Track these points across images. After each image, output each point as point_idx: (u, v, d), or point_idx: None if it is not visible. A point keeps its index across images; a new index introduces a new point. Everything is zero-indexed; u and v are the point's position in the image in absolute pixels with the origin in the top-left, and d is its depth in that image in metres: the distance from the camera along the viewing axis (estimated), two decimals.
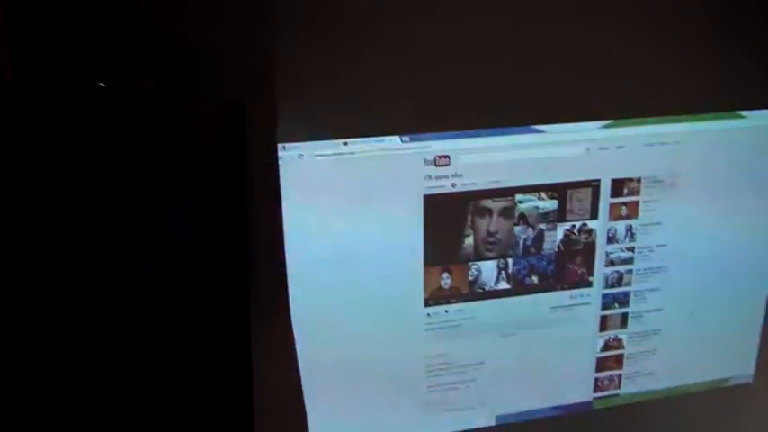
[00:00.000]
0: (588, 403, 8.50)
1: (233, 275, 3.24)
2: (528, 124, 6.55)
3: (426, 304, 8.00)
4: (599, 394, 8.77)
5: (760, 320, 9.96)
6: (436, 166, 7.40)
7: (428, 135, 6.79)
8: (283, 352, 3.59)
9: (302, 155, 5.87)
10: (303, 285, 7.59)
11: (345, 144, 6.55)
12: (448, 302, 7.99)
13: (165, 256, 2.77)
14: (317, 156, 6.41)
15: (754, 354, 10.00)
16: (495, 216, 8.51)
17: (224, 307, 3.23)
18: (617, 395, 8.81)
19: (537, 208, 8.26)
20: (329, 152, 6.49)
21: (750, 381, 10.21)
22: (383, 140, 6.65)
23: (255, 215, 3.74)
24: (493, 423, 8.34)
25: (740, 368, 10.01)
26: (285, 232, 4.61)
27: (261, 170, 3.78)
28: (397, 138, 6.81)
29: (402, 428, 8.35)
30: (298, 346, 5.13)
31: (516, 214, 8.41)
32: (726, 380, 10.18)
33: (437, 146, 7.14)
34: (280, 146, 4.16)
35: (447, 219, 8.25)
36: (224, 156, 3.14)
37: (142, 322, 2.71)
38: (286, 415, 3.95)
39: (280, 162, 4.31)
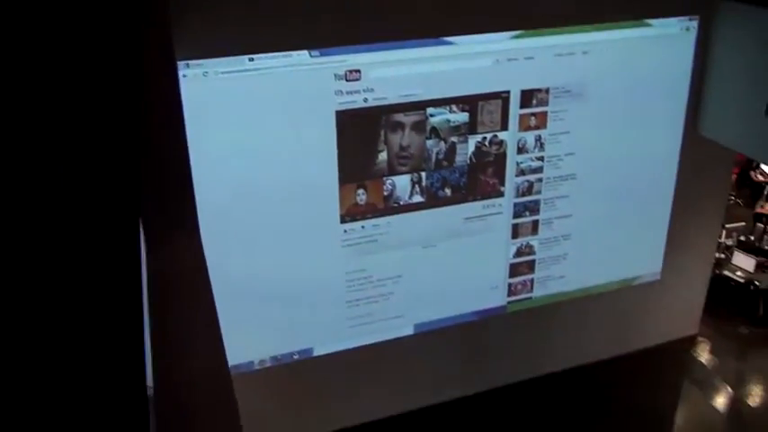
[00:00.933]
0: (503, 307, 8.69)
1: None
2: (438, 36, 6.37)
3: (342, 221, 7.87)
4: (513, 298, 8.97)
5: (666, 221, 10.28)
6: (347, 80, 7.11)
7: (338, 49, 6.52)
8: (195, 265, 3.51)
9: (207, 72, 5.59)
10: (215, 207, 7.27)
11: (251, 60, 6.21)
12: (364, 218, 7.88)
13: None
14: (222, 73, 6.08)
15: (662, 252, 10.36)
16: (407, 130, 8.33)
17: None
18: (530, 298, 9.02)
19: (448, 121, 8.11)
20: (235, 69, 6.15)
21: (658, 278, 10.58)
22: (291, 55, 6.36)
23: (154, 135, 3.57)
24: (411, 332, 8.44)
25: (649, 267, 10.39)
26: (195, 154, 4.48)
27: (160, 88, 3.60)
28: (305, 52, 6.50)
29: (323, 342, 8.33)
30: (212, 267, 5.05)
31: (428, 128, 8.24)
32: (635, 278, 10.54)
33: (348, 60, 6.82)
34: (182, 63, 3.95)
35: (360, 135, 7.99)
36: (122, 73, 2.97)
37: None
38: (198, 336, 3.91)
39: (183, 80, 4.11)
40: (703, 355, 10.73)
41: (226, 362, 4.05)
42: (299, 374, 8.28)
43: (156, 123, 3.60)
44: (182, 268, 3.74)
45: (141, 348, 3.28)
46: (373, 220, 8.00)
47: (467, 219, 8.44)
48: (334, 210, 7.62)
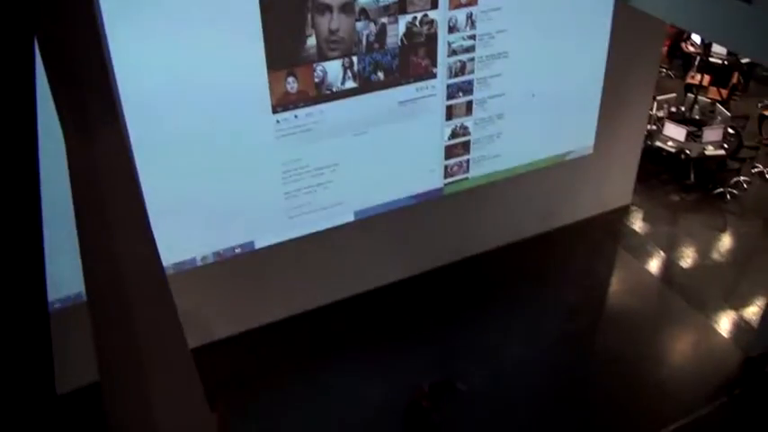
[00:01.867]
0: (440, 190, 8.74)
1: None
2: None
3: (274, 111, 7.73)
4: (449, 180, 9.02)
5: (598, 95, 10.31)
6: None
7: None
8: (118, 158, 3.38)
9: None
10: (144, 104, 7.02)
11: None
12: (296, 107, 7.74)
13: None
14: None
15: (594, 127, 10.43)
16: (335, 12, 8.07)
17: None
18: (466, 179, 9.09)
19: (377, 1, 7.83)
20: None
21: (591, 152, 10.69)
22: None
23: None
24: (352, 219, 8.47)
25: (581, 142, 10.49)
26: (117, 47, 4.26)
27: None
28: None
29: (264, 234, 8.31)
30: (147, 166, 4.90)
31: (357, 9, 7.98)
32: (568, 153, 10.64)
33: None
34: None
35: (286, 19, 7.73)
36: None
37: None
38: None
39: None
40: (636, 223, 11.23)
41: (158, 257, 4.00)
42: (242, 268, 8.49)
43: (67, 16, 3.43)
44: (105, 162, 3.64)
45: (40, 260, 3.15)
46: (306, 109, 7.90)
47: (401, 103, 8.40)
48: (266, 99, 7.48)
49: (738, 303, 9.60)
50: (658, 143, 11.93)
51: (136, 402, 3.52)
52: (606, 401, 8.20)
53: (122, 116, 6.29)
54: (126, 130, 6.35)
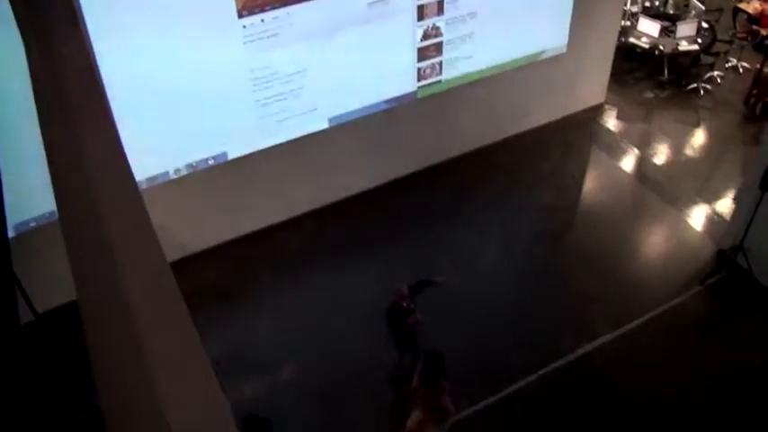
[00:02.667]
0: (413, 93, 8.63)
1: None
2: None
3: (240, 15, 7.50)
4: (423, 83, 8.91)
5: None
6: None
7: None
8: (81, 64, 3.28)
9: None
10: (106, 17, 6.74)
11: None
12: (262, 10, 7.49)
13: None
14: None
15: (567, 25, 10.26)
16: None
17: None
18: (439, 82, 8.97)
19: None
20: None
21: (564, 51, 10.57)
22: None
23: None
24: (326, 126, 8.37)
25: (555, 40, 10.34)
26: None
27: None
28: None
29: (237, 145, 8.20)
30: (117, 79, 4.74)
31: None
32: (542, 53, 10.50)
33: None
34: None
35: None
36: None
37: None
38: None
39: None
40: (610, 121, 11.25)
41: (129, 170, 3.91)
42: (216, 180, 8.42)
43: None
44: (69, 73, 3.50)
45: None
46: (272, 12, 7.66)
47: (370, 4, 8.17)
48: (231, 3, 7.23)
49: (711, 197, 9.78)
50: (632, 39, 11.78)
51: (117, 321, 3.51)
52: (582, 295, 8.41)
53: (85, 27, 6.08)
54: (89, 43, 6.15)
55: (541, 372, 7.64)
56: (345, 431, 7.12)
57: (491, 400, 7.43)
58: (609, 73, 11.21)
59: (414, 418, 6.82)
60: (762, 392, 7.49)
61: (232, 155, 8.21)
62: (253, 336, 8.01)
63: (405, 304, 6.87)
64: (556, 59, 10.16)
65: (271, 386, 7.48)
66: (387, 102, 8.84)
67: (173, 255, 8.65)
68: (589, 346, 7.88)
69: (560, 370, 7.70)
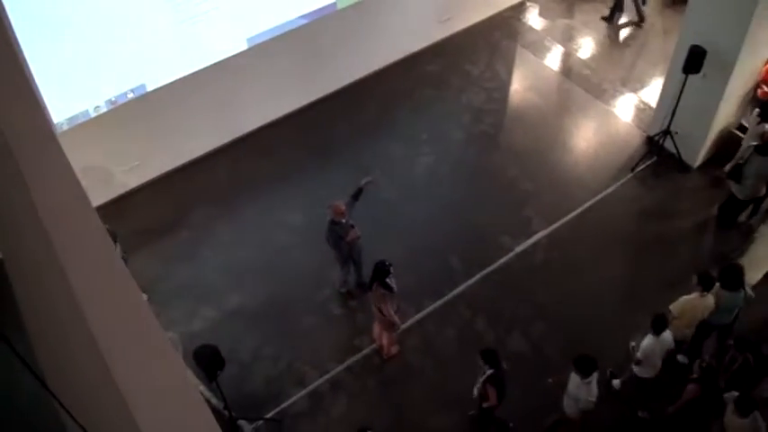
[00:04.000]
0: (332, 5, 8.31)
1: None
2: None
3: None
4: None
5: None
6: None
7: None
8: None
9: None
10: None
11: None
12: None
13: None
14: None
15: None
16: None
17: None
18: None
19: None
20: None
21: None
22: None
23: None
24: (245, 47, 8.07)
25: None
26: None
27: None
28: None
29: (156, 75, 7.84)
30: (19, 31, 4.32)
31: None
32: None
33: None
34: None
35: None
36: None
37: None
38: None
39: None
40: (533, 19, 11.07)
41: (44, 115, 3.70)
42: (138, 114, 8.03)
43: None
44: None
45: None
46: None
47: None
48: None
49: (637, 86, 9.90)
50: None
51: (46, 277, 3.35)
52: (518, 194, 8.53)
53: None
54: None
55: (483, 272, 7.78)
56: (299, 350, 7.18)
57: (437, 304, 7.56)
58: None
59: (375, 329, 7.15)
60: (690, 256, 7.83)
61: (151, 86, 7.86)
62: (198, 267, 7.87)
63: (343, 220, 6.84)
64: None
65: (221, 315, 7.43)
66: (305, 17, 8.54)
67: (108, 194, 8.39)
68: (528, 242, 8.05)
69: (501, 269, 7.85)
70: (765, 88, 8.82)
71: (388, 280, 6.53)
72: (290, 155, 8.99)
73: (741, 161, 7.70)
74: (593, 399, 5.95)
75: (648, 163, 8.95)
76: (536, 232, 8.17)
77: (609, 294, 7.69)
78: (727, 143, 8.76)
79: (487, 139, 9.31)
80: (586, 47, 10.60)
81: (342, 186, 7.80)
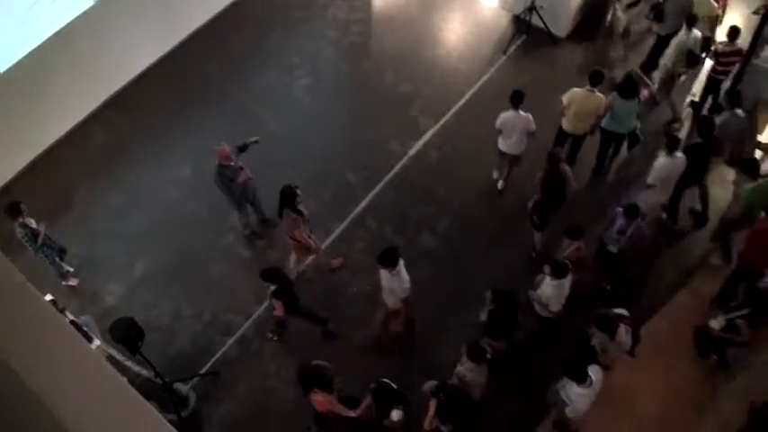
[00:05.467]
0: None
1: None
2: None
3: None
4: None
5: None
6: None
7: None
8: None
9: None
10: None
11: None
12: None
13: None
14: None
15: None
16: None
17: None
18: None
19: None
20: None
21: None
22: None
23: None
24: (93, 3, 7.37)
25: None
26: None
27: None
28: None
29: (5, 53, 7.07)
30: None
31: None
32: None
33: None
34: None
35: None
36: None
37: None
38: None
39: None
40: None
41: None
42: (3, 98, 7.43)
43: None
44: None
45: None
46: None
47: None
48: None
49: None
50: None
51: None
52: (400, 99, 8.41)
53: None
54: None
55: (382, 182, 7.76)
56: (217, 300, 7.00)
57: (344, 224, 7.55)
58: None
59: (291, 258, 7.09)
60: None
61: (4, 66, 7.27)
62: (95, 244, 7.51)
63: (231, 163, 6.63)
64: None
65: (130, 286, 7.17)
66: None
67: None
68: (419, 143, 8.04)
69: (399, 174, 7.87)
70: None
71: (297, 204, 6.47)
72: (165, 107, 8.57)
73: (661, 0, 8.26)
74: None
75: (519, 42, 9.00)
76: (425, 132, 8.18)
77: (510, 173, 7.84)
78: (592, 7, 8.95)
79: (358, 49, 9.15)
80: None
81: (225, 131, 7.62)
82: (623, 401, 6.15)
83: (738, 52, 7.50)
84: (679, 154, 6.65)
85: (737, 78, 7.49)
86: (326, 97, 8.57)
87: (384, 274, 5.97)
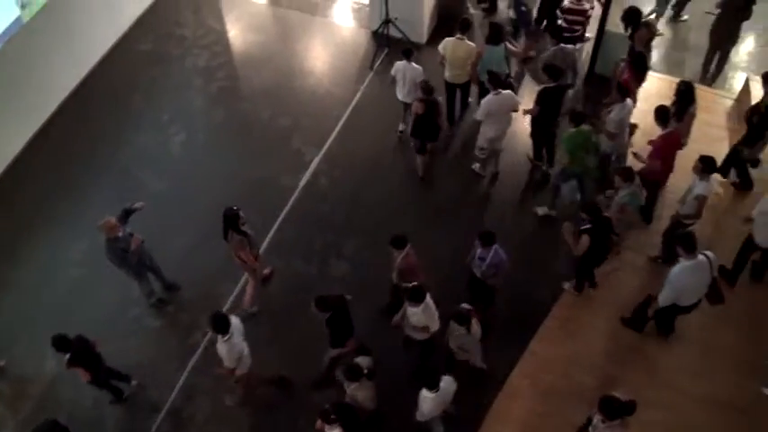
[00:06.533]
0: (17, 21, 7.25)
1: None
2: None
3: None
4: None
5: None
6: None
7: None
8: None
9: None
10: None
11: None
12: None
13: None
14: None
15: None
16: None
17: None
18: None
19: None
20: None
21: None
22: None
23: None
24: None
25: None
26: None
27: None
28: None
29: None
30: None
31: None
32: None
33: None
34: None
35: None
36: None
37: None
38: None
39: None
40: None
41: None
42: None
43: None
44: None
45: None
46: None
47: None
48: None
49: None
50: None
51: None
52: (279, 133, 8.33)
53: None
54: None
55: (280, 218, 7.61)
56: (138, 378, 6.55)
57: (272, 231, 7.46)
58: None
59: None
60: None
61: None
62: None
63: (120, 234, 6.34)
64: None
65: (45, 383, 6.61)
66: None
67: None
68: (308, 173, 7.95)
69: (295, 207, 7.71)
70: None
71: (241, 225, 6.38)
72: (46, 187, 8.09)
73: None
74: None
75: (383, 56, 9.11)
76: (311, 161, 8.13)
77: (397, 178, 7.93)
78: (446, 10, 9.25)
79: (228, 93, 8.98)
80: None
81: (111, 197, 7.38)
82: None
83: (583, 12, 8.15)
84: (505, 91, 7.30)
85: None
86: (206, 147, 8.37)
87: (219, 339, 5.67)
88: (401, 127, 8.21)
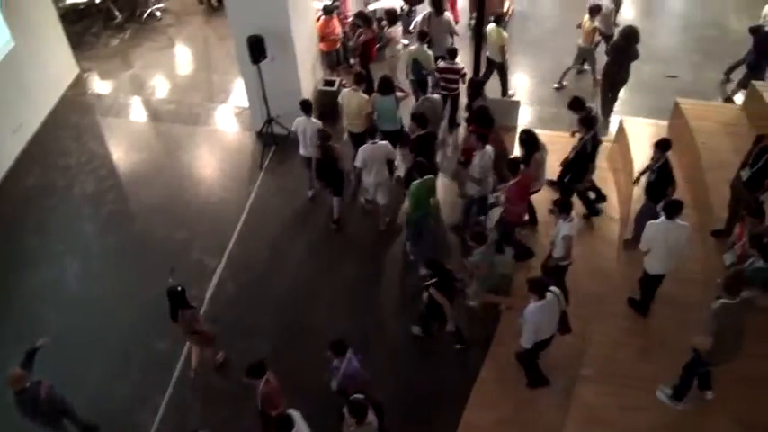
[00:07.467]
0: None
1: None
2: None
3: None
4: None
5: None
6: None
7: None
8: None
9: None
10: None
11: None
12: None
13: None
14: None
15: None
16: None
17: None
18: None
19: None
20: None
21: (13, 44, 9.24)
22: None
23: None
24: None
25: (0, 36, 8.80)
26: None
27: None
28: None
29: None
30: None
31: None
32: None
33: None
34: None
35: None
36: None
37: None
38: None
39: None
40: (97, 85, 10.55)
41: None
42: None
43: None
44: None
45: None
46: None
47: None
48: None
49: (223, 97, 10.25)
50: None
51: None
52: (175, 243, 8.19)
53: None
54: None
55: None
56: None
57: (169, 390, 6.91)
58: (67, 44, 10.59)
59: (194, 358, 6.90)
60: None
61: None
62: None
63: (27, 384, 5.99)
64: (12, 56, 9.31)
65: None
66: None
67: None
68: (213, 283, 7.82)
69: (208, 318, 7.33)
70: (323, 45, 9.84)
71: (188, 301, 6.44)
72: None
73: None
74: None
75: (271, 154, 9.27)
76: (214, 270, 7.99)
77: (305, 269, 7.94)
78: (324, 101, 9.53)
79: (120, 215, 8.81)
80: (160, 86, 10.58)
81: (14, 342, 6.85)
82: None
83: (456, 71, 8.93)
84: (380, 141, 7.81)
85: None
86: (105, 274, 8.10)
87: None
88: (310, 193, 8.53)
